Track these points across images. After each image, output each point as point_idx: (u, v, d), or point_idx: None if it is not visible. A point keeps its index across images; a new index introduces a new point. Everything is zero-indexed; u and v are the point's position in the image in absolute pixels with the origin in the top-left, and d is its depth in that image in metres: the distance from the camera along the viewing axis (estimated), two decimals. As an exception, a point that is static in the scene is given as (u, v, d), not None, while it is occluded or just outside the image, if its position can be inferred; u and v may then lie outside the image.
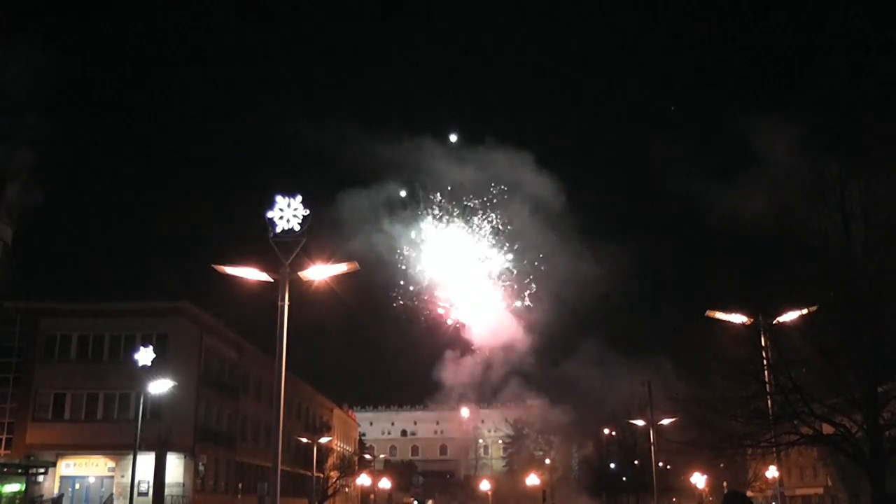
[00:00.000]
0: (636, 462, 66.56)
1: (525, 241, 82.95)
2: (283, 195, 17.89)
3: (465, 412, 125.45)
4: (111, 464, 48.90)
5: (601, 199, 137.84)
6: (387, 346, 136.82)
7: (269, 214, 17.75)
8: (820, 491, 65.76)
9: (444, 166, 79.24)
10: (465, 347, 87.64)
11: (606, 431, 79.67)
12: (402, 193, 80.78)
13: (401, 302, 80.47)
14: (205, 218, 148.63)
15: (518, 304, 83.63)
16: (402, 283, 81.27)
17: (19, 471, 45.81)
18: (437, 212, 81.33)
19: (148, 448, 43.04)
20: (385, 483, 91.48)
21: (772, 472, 43.18)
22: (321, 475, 69.68)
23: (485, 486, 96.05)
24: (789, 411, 20.09)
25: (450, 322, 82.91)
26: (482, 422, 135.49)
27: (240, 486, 58.96)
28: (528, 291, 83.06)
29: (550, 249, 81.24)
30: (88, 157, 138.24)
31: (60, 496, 47.35)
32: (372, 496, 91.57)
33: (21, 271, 53.46)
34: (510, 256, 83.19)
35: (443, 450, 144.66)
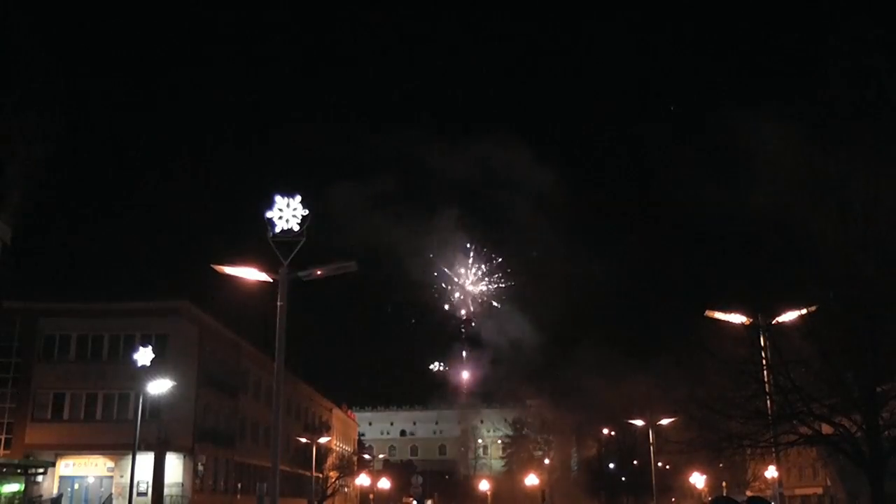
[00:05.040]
0: (635, 462, 66.63)
1: (524, 240, 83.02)
2: (283, 195, 17.89)
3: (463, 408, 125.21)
4: (110, 464, 48.88)
5: (600, 199, 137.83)
6: (386, 345, 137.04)
7: (269, 214, 17.74)
8: (819, 491, 65.73)
9: (443, 161, 79.21)
10: (464, 344, 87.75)
11: (606, 431, 79.68)
12: (399, 189, 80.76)
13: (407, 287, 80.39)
14: (205, 218, 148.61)
15: (517, 301, 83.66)
16: (401, 279, 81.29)
17: (18, 471, 45.75)
18: (435, 207, 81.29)
19: (147, 448, 43.03)
20: (384, 483, 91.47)
21: (771, 471, 43.15)
22: (320, 475, 69.67)
23: (484, 485, 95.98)
24: (788, 411, 20.08)
25: (448, 311, 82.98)
26: (481, 422, 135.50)
27: (239, 486, 58.96)
28: (527, 289, 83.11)
29: (550, 248, 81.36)
30: (88, 157, 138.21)
31: (59, 496, 47.32)
32: (371, 496, 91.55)
33: (21, 271, 53.36)
34: (508, 253, 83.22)
35: (442, 450, 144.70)
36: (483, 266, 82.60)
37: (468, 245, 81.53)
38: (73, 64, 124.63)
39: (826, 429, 21.42)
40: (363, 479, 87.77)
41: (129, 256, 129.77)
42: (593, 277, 75.30)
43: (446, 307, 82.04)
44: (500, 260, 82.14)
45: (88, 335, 50.77)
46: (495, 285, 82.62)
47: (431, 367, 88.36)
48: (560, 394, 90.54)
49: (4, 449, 47.83)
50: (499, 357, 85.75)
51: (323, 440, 68.51)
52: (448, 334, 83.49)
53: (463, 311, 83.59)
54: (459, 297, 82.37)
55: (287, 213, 17.74)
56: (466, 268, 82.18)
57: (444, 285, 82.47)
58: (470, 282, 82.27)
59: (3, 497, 44.01)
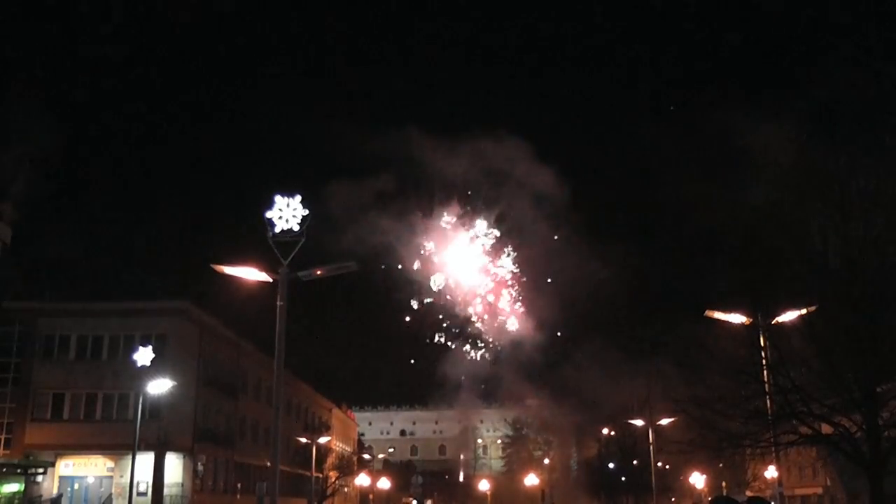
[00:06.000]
0: (635, 462, 66.69)
1: (524, 239, 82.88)
2: (283, 195, 17.91)
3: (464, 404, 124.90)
4: (110, 464, 48.89)
5: (599, 199, 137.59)
6: (386, 345, 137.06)
7: (269, 214, 17.77)
8: (819, 491, 65.76)
9: (442, 160, 78.88)
10: (464, 343, 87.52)
11: (606, 431, 79.79)
12: (398, 187, 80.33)
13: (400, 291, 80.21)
14: (205, 218, 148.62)
15: (517, 300, 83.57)
16: (400, 278, 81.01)
17: (18, 471, 45.81)
18: (436, 205, 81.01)
19: (147, 448, 43.04)
20: (384, 483, 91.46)
21: (771, 471, 43.18)
22: (320, 475, 69.67)
23: (484, 486, 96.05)
24: (788, 411, 20.09)
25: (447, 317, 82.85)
26: (481, 422, 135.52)
27: (239, 486, 58.96)
28: (527, 288, 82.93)
29: (548, 247, 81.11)
30: (88, 157, 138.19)
31: (59, 496, 47.33)
32: (371, 496, 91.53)
33: (20, 271, 53.35)
34: (507, 251, 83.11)
35: (441, 450, 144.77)
36: (483, 264, 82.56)
37: (468, 243, 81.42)
38: (72, 65, 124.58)
39: (826, 429, 21.42)
40: (363, 479, 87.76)
41: (130, 256, 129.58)
42: (593, 277, 75.05)
43: (446, 306, 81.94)
44: (500, 259, 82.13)
45: (88, 335, 50.76)
46: (496, 283, 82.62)
47: (431, 366, 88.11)
48: (560, 394, 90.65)
49: (4, 449, 47.85)
50: (499, 356, 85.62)
51: (323, 440, 68.50)
52: (448, 333, 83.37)
53: (462, 310, 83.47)
54: (459, 296, 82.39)
55: (287, 213, 17.76)
56: (466, 266, 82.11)
57: (443, 283, 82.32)
58: (470, 280, 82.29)
59: (3, 497, 44.05)
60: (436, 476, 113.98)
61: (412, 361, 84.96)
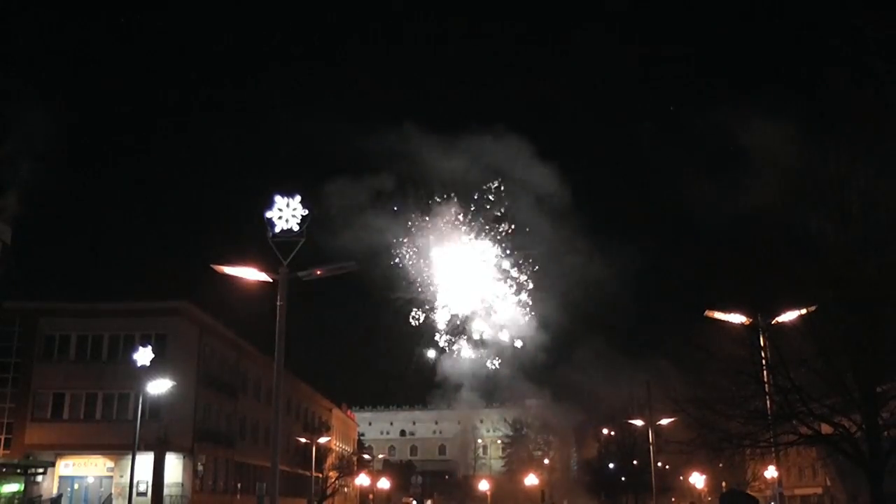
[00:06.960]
0: (635, 462, 66.67)
1: (524, 240, 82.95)
2: (283, 195, 17.90)
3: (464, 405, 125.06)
4: (110, 464, 48.90)
5: (600, 199, 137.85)
6: (386, 345, 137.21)
7: (269, 214, 17.75)
8: (819, 491, 65.81)
9: (440, 158, 78.88)
10: (465, 343, 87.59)
11: (606, 431, 79.78)
12: (398, 187, 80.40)
13: (400, 296, 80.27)
14: (205, 218, 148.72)
15: (517, 300, 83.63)
16: (400, 278, 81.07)
17: (18, 471, 45.76)
18: (435, 204, 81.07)
19: (147, 448, 43.02)
20: (384, 483, 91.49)
21: (771, 472, 43.22)
22: (320, 475, 69.68)
23: (483, 486, 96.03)
24: (788, 411, 20.11)
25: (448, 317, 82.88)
26: (481, 422, 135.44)
27: (238, 486, 58.95)
28: (527, 289, 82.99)
29: (548, 248, 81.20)
30: (88, 157, 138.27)
31: (59, 496, 47.33)
32: (371, 496, 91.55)
33: (20, 271, 53.42)
34: (507, 252, 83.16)
35: (441, 450, 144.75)
36: (483, 264, 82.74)
37: (468, 243, 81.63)
38: (73, 64, 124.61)
39: (826, 429, 21.45)
40: (363, 479, 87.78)
41: (130, 256, 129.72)
42: (594, 277, 75.18)
43: (446, 305, 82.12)
44: (500, 259, 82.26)
45: (88, 335, 50.74)
46: (496, 284, 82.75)
47: (432, 366, 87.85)
48: (560, 394, 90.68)
49: (4, 449, 47.83)
50: (499, 356, 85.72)
51: (323, 440, 68.51)
52: (448, 333, 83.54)
53: (463, 310, 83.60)
54: (460, 295, 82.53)
55: (287, 213, 17.75)
56: (467, 266, 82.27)
57: (444, 283, 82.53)
58: (471, 280, 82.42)
59: (3, 497, 44.02)
60: (436, 476, 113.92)
61: (412, 361, 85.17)
